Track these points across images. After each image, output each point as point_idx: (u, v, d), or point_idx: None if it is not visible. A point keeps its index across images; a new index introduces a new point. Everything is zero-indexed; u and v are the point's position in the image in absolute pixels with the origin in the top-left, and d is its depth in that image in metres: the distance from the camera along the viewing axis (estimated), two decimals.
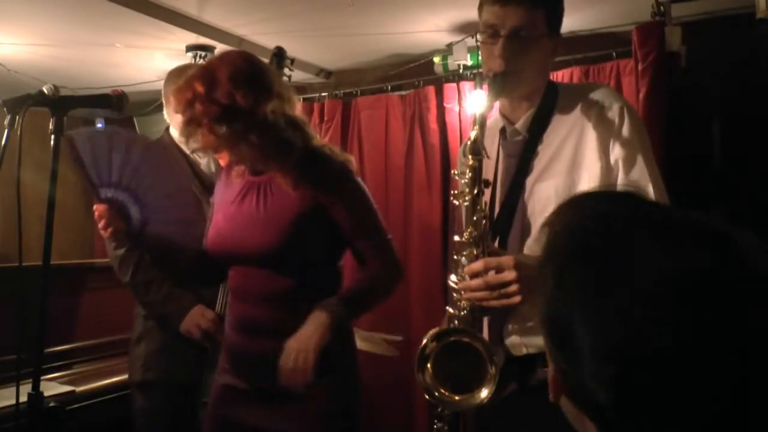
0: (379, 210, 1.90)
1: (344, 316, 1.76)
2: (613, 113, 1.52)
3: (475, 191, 1.46)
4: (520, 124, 1.62)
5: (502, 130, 1.67)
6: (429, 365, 1.47)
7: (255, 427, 1.81)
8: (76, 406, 2.60)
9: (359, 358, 1.99)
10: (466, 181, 1.47)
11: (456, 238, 1.49)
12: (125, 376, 2.62)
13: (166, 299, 2.31)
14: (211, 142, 1.74)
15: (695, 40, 3.07)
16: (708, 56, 3.08)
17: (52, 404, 1.60)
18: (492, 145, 1.66)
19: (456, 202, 1.50)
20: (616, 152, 1.50)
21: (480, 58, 1.66)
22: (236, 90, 1.68)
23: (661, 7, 2.97)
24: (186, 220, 1.91)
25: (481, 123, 1.48)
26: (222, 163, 1.85)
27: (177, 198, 1.89)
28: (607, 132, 1.51)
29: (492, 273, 1.40)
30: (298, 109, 1.86)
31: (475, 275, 1.42)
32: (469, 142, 1.48)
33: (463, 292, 1.47)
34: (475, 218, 1.45)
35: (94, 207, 1.78)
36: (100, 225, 1.76)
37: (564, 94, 1.62)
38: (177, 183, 1.92)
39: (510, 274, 1.37)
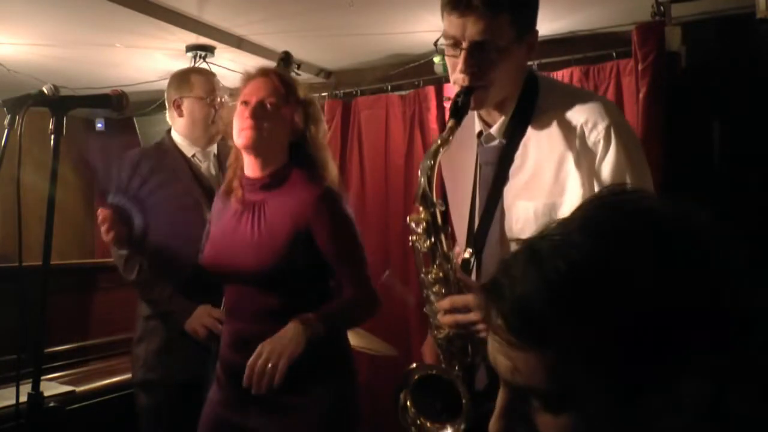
0: (362, 240, 1.94)
1: (321, 333, 1.76)
2: (598, 134, 1.38)
3: (432, 240, 1.40)
4: (495, 129, 1.49)
5: (479, 134, 1.55)
6: (409, 404, 1.45)
7: None
8: (76, 406, 2.60)
9: (360, 358, 1.99)
10: (421, 231, 1.41)
11: (422, 275, 1.44)
12: (125, 376, 2.63)
13: (172, 297, 2.32)
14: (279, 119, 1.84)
15: (695, 40, 3.07)
16: (708, 56, 3.08)
17: (52, 404, 1.60)
18: (470, 149, 1.58)
19: (417, 245, 1.43)
20: (602, 177, 1.39)
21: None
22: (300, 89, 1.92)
23: (661, 7, 2.97)
24: (186, 233, 1.93)
25: (428, 173, 1.38)
26: (243, 143, 1.89)
27: (179, 210, 1.91)
28: (591, 155, 1.38)
29: (460, 312, 1.36)
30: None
31: (445, 311, 1.40)
32: (419, 191, 1.39)
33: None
34: (437, 261, 1.41)
35: (99, 210, 1.81)
36: (103, 229, 1.78)
37: (545, 95, 1.48)
38: (180, 194, 1.94)
39: (476, 315, 1.33)
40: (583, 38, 3.33)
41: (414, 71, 3.80)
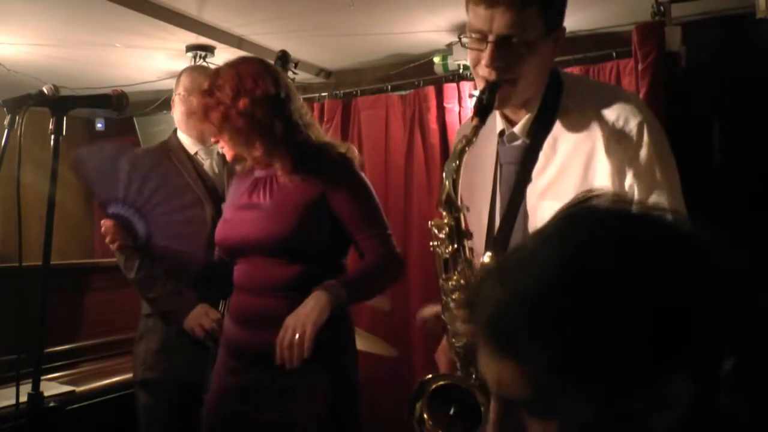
0: (381, 205, 1.93)
1: (344, 299, 1.76)
2: (631, 130, 1.33)
3: (455, 246, 1.35)
4: (518, 128, 1.43)
5: (501, 133, 1.48)
6: (425, 416, 1.42)
7: (256, 422, 1.81)
8: (76, 406, 2.60)
9: (360, 359, 1.99)
10: (444, 236, 1.35)
11: (441, 281, 1.39)
12: (125, 376, 2.64)
13: (170, 296, 2.32)
14: (239, 128, 1.79)
15: (695, 40, 3.07)
16: (708, 56, 3.08)
17: (52, 404, 1.61)
18: (489, 148, 1.51)
19: (438, 251, 1.38)
20: (633, 174, 1.33)
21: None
22: (263, 81, 1.80)
23: (661, 7, 2.97)
24: (190, 233, 1.94)
25: (453, 176, 1.33)
26: (228, 157, 1.90)
27: (180, 210, 1.93)
28: (622, 152, 1.33)
29: None
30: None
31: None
32: (442, 195, 1.34)
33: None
34: (459, 268, 1.36)
35: (102, 222, 1.84)
36: (107, 240, 1.80)
37: (569, 92, 1.42)
38: (180, 193, 1.96)
39: None
40: (583, 38, 3.33)
41: (414, 71, 3.80)
